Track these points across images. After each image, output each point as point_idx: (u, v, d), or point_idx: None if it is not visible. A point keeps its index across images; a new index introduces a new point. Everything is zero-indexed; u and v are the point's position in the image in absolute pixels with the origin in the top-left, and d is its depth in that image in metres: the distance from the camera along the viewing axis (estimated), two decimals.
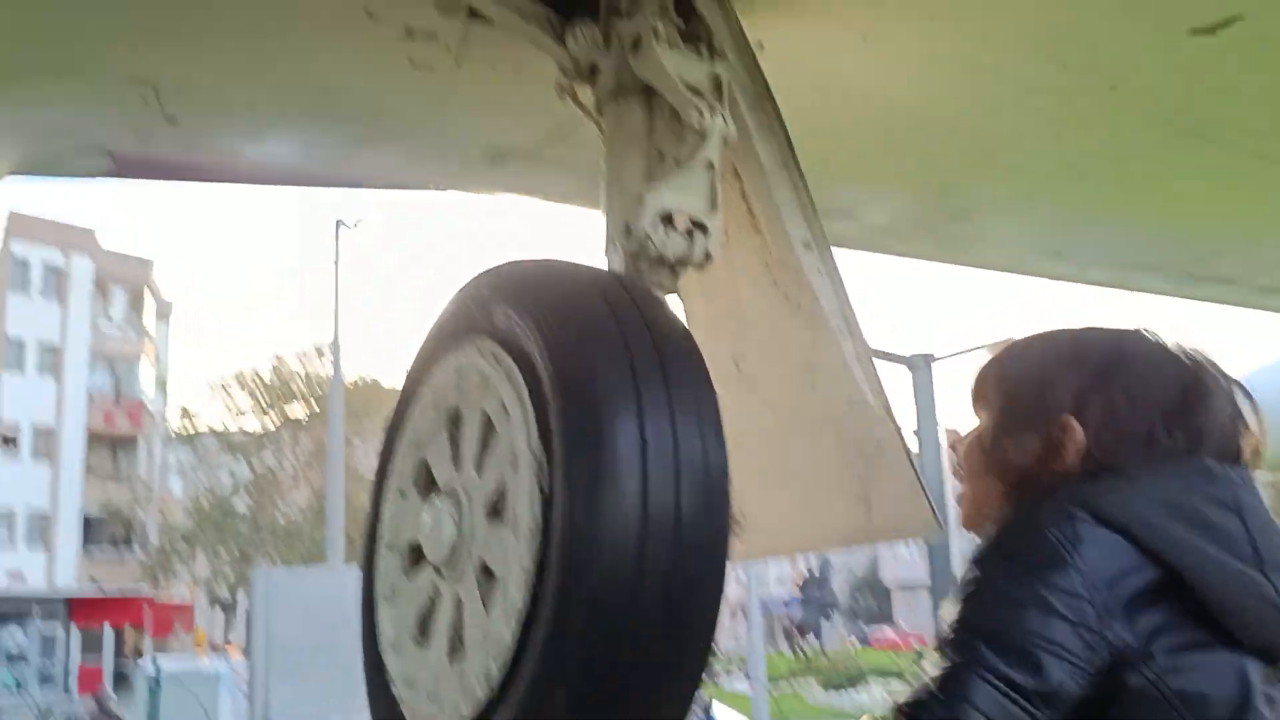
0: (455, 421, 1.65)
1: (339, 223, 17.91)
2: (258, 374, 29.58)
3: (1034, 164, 2.90)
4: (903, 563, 42.45)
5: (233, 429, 30.38)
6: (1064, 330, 1.36)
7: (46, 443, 32.96)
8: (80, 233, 35.02)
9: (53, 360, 33.63)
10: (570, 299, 1.50)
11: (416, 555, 1.70)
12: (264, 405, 29.56)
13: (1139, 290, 3.98)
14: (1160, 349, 1.28)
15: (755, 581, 17.04)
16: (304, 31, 2.12)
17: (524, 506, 1.42)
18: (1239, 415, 1.25)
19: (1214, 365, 1.28)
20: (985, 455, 1.32)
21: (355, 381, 27.60)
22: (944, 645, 1.14)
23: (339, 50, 2.18)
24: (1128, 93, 2.40)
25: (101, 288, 35.20)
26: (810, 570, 34.16)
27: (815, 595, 32.97)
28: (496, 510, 1.51)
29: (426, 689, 1.58)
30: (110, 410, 35.21)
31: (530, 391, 1.46)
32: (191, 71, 2.31)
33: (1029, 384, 1.30)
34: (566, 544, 1.34)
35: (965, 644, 1.11)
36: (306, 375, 29.46)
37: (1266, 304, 4.06)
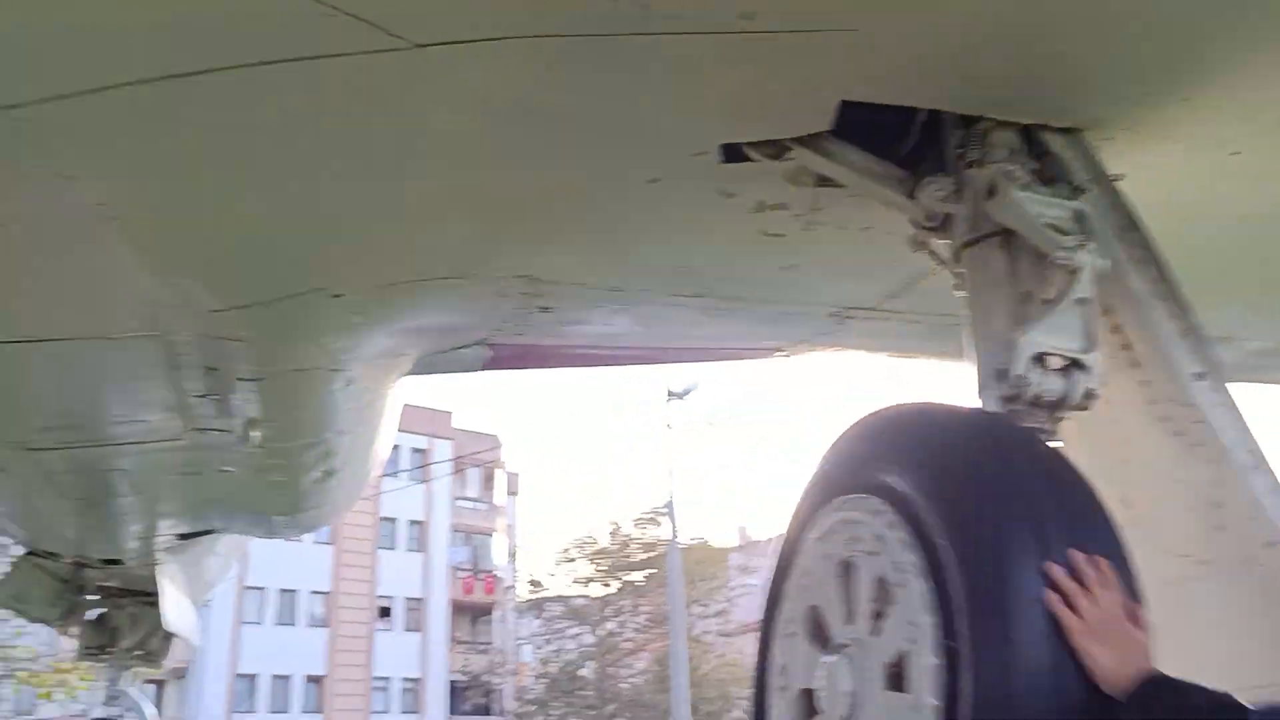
0: (845, 574, 1.65)
1: (669, 392, 18.67)
2: (596, 541, 30.79)
3: None
4: None
5: (577, 595, 31.58)
6: None
7: (416, 613, 35.72)
8: (440, 415, 38.51)
9: (419, 536, 36.72)
10: (960, 451, 1.48)
11: (807, 703, 1.68)
12: (604, 571, 30.59)
13: None
14: None
15: None
16: (663, 216, 2.29)
17: (924, 679, 1.38)
18: None
19: None
20: None
21: (689, 544, 28.03)
22: None
23: (695, 230, 2.34)
24: None
25: (458, 466, 38.34)
26: None
27: None
28: (895, 678, 1.48)
29: None
30: (469, 581, 37.74)
31: (925, 555, 1.44)
32: (564, 263, 2.55)
33: None
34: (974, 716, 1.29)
35: None
36: (643, 540, 30.29)
37: None
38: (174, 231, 2.26)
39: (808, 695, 1.68)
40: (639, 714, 28.13)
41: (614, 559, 30.80)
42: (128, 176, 2.03)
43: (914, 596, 1.42)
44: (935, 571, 1.40)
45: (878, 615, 1.53)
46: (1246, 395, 1.76)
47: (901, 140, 2.00)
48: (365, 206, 2.21)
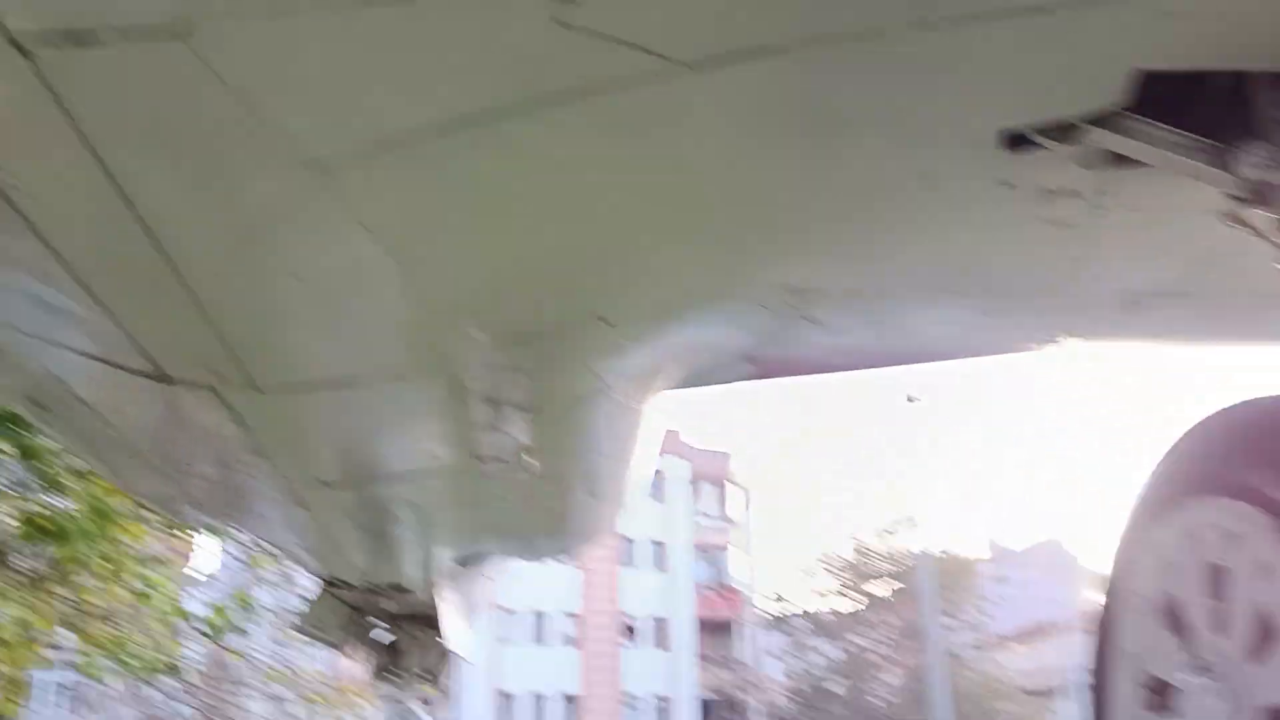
0: (1214, 578, 1.51)
1: (909, 397, 18.18)
2: (839, 554, 30.36)
3: None
4: None
5: (821, 609, 31.20)
6: None
7: (660, 631, 36.23)
8: (670, 435, 39.03)
9: (659, 554, 37.26)
10: None
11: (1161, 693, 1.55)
12: (849, 585, 30.09)
13: None
14: None
15: None
16: (937, 214, 2.20)
17: None
18: None
19: None
20: None
21: (938, 556, 27.20)
22: None
23: (972, 226, 2.24)
24: None
25: (692, 483, 38.68)
26: None
27: None
28: None
29: None
30: (711, 597, 37.96)
31: None
32: (831, 272, 2.50)
33: None
34: None
35: None
36: (888, 553, 29.62)
37: None
38: (457, 273, 2.36)
39: (1161, 684, 1.54)
40: None
41: (858, 572, 30.22)
42: (419, 223, 2.14)
43: None
44: None
45: (1259, 645, 1.39)
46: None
47: (1206, 108, 1.84)
48: (636, 230, 2.24)
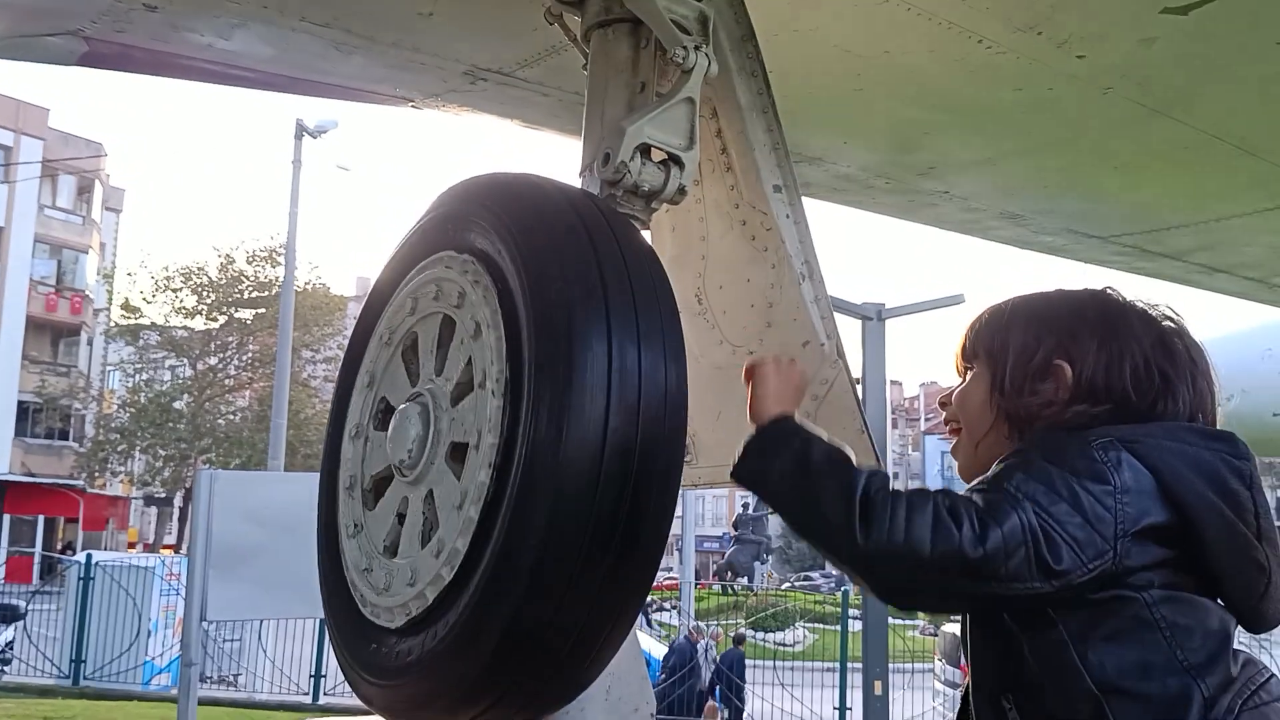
0: (430, 330, 1.70)
1: (300, 125, 17.58)
2: (205, 272, 29.07)
3: (999, 127, 2.97)
4: None
5: (176, 326, 29.95)
6: (1056, 290, 1.45)
7: None
8: (33, 110, 33.96)
9: None
10: (547, 218, 1.55)
11: (379, 485, 1.75)
12: (210, 305, 29.12)
13: (1086, 261, 4.09)
14: (1147, 311, 1.37)
15: (691, 519, 17.27)
16: None
17: (487, 438, 1.48)
18: (1215, 385, 1.36)
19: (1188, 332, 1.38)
20: (992, 406, 1.39)
21: (304, 287, 27.27)
22: (981, 486, 1.24)
23: None
24: (1096, 64, 2.47)
25: (49, 170, 34.31)
26: (746, 511, 34.63)
27: (750, 537, 33.45)
28: (462, 391, 1.57)
29: (395, 588, 1.62)
30: (52, 298, 34.56)
31: (503, 307, 1.52)
32: None
33: (1032, 338, 1.38)
34: (531, 450, 1.41)
35: (1007, 493, 1.20)
36: (255, 278, 29.04)
37: (1207, 283, 4.20)
38: None
39: (379, 480, 1.74)
40: (234, 449, 27.70)
41: (222, 293, 29.30)
42: None
43: (489, 342, 1.51)
44: (510, 328, 1.48)
45: (456, 363, 1.61)
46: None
47: None
48: None
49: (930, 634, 20.43)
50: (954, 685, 14.33)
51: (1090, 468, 1.20)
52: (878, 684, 11.10)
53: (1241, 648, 1.25)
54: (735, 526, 34.63)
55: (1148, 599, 1.19)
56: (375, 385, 1.80)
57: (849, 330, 10.48)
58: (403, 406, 1.66)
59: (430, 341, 1.68)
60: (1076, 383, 1.32)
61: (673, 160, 1.80)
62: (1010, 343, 1.40)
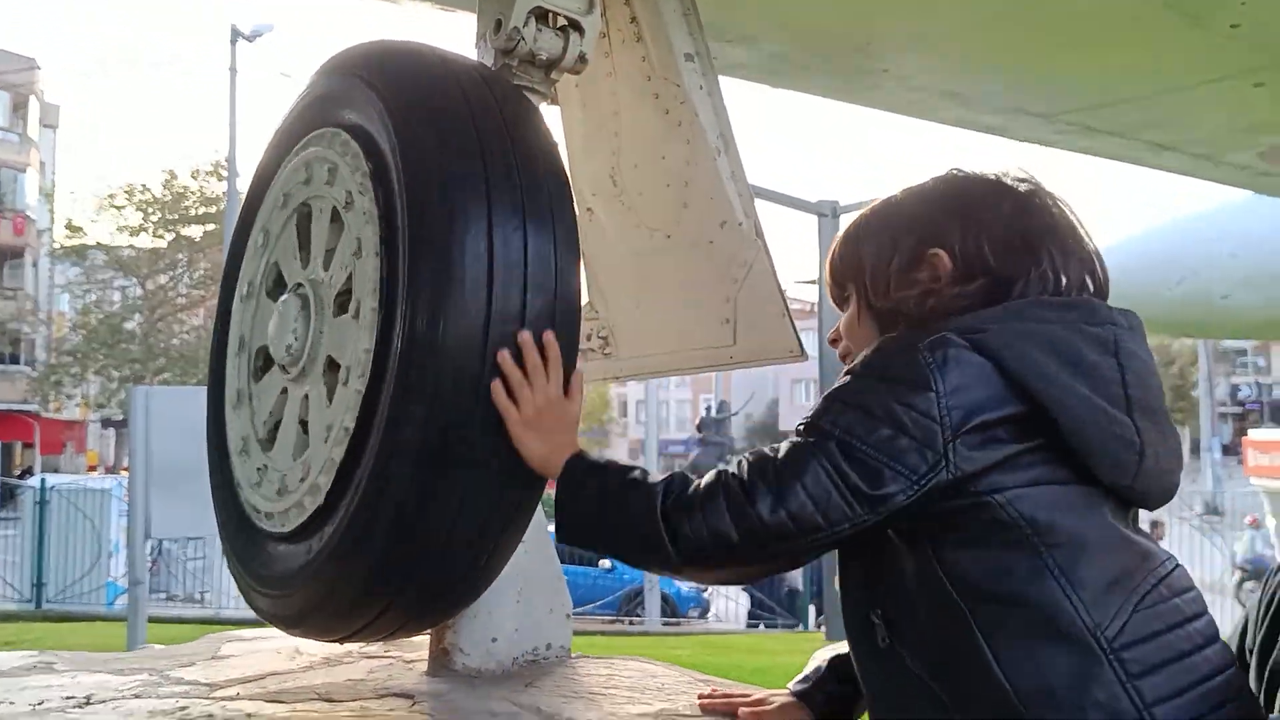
0: (305, 218, 1.58)
1: (235, 29, 16.93)
2: (148, 189, 28.29)
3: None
4: (800, 410, 43.70)
5: (122, 246, 29.24)
6: (900, 190, 1.36)
7: None
8: None
9: None
10: (426, 89, 1.42)
11: (266, 359, 1.65)
12: (156, 222, 28.40)
13: (1030, 140, 3.98)
14: (999, 179, 1.28)
15: (655, 423, 17.34)
16: None
17: (368, 297, 1.38)
18: (1086, 241, 1.26)
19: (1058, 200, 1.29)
20: (871, 322, 1.30)
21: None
22: (797, 430, 1.19)
23: None
24: None
25: None
26: (709, 412, 34.90)
27: (713, 438, 33.73)
28: (343, 306, 1.47)
29: (272, 487, 1.55)
30: None
31: (378, 186, 1.40)
32: None
33: (887, 240, 1.29)
34: (410, 335, 1.31)
35: (816, 433, 1.16)
36: (201, 193, 28.30)
37: (1154, 161, 4.12)
38: None
39: (266, 351, 1.64)
40: (189, 367, 27.37)
41: (168, 210, 28.61)
42: None
43: (362, 222, 1.40)
44: (383, 195, 1.37)
45: (330, 249, 1.50)
46: None
47: None
48: None
49: None
50: None
51: (914, 374, 1.12)
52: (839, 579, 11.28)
53: (1141, 539, 1.17)
54: (699, 429, 34.90)
55: (1000, 500, 1.10)
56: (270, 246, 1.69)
57: (805, 229, 10.40)
58: (284, 302, 1.54)
59: (310, 228, 1.56)
60: (951, 266, 1.24)
61: (572, 26, 1.66)
62: (864, 255, 1.32)
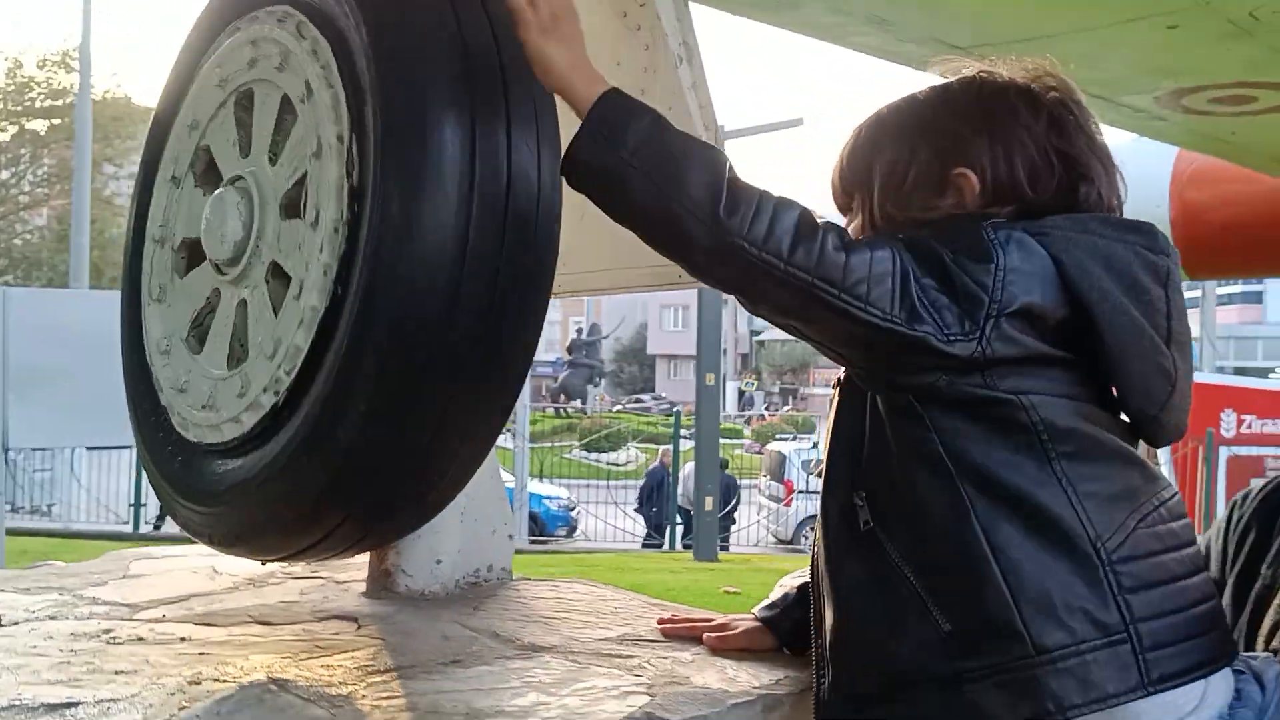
0: (246, 103, 1.44)
1: None
2: None
3: None
4: (670, 334, 44.04)
5: None
6: (924, 89, 1.28)
7: None
8: None
9: None
10: None
11: (193, 252, 1.51)
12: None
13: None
14: (1030, 89, 1.22)
15: None
16: None
17: (328, 202, 1.26)
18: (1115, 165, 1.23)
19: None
20: (888, 220, 1.22)
21: (105, 95, 25.04)
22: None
23: None
24: None
25: None
26: (580, 335, 34.90)
27: (583, 360, 33.81)
28: (293, 206, 1.34)
29: (201, 397, 1.43)
30: None
31: (343, 73, 1.27)
32: None
33: (905, 150, 1.22)
34: (376, 246, 1.20)
35: (888, 238, 1.11)
36: (48, 84, 26.42)
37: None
38: None
39: (193, 244, 1.50)
40: (33, 272, 25.85)
41: (10, 101, 26.65)
42: None
43: (323, 111, 1.27)
44: (351, 83, 1.25)
45: (278, 140, 1.37)
46: None
47: None
48: None
49: (756, 452, 21.36)
50: (778, 500, 15.09)
51: (975, 245, 1.08)
52: (709, 500, 11.48)
53: (1149, 463, 1.18)
54: (569, 351, 34.89)
55: (1024, 402, 1.08)
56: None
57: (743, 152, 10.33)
58: (220, 196, 1.41)
59: (251, 116, 1.42)
60: (980, 189, 1.18)
61: None
62: (876, 166, 1.24)
